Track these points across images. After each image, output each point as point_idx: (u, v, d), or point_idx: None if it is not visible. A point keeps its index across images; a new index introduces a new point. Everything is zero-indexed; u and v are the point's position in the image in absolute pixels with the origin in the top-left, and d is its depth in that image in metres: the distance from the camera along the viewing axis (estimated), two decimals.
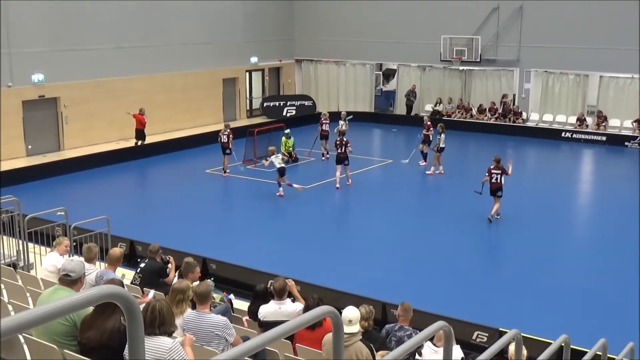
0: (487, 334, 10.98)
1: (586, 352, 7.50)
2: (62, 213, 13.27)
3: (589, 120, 29.79)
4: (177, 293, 7.16)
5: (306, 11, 35.39)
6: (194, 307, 7.11)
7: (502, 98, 31.21)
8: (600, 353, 7.83)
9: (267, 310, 8.28)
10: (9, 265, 11.32)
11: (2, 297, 7.92)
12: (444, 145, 22.84)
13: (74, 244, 12.33)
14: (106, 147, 25.75)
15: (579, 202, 21.69)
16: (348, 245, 16.86)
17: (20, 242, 12.79)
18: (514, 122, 30.66)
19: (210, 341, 6.70)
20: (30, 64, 24.26)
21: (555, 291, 13.76)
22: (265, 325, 8.03)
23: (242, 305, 10.80)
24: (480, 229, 17.81)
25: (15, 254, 12.84)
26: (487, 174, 17.98)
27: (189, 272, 9.20)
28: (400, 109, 34.48)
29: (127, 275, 10.74)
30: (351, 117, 26.69)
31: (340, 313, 5.71)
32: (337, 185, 21.46)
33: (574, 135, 29.36)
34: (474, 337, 11.07)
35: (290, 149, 25.08)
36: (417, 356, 7.95)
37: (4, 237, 12.86)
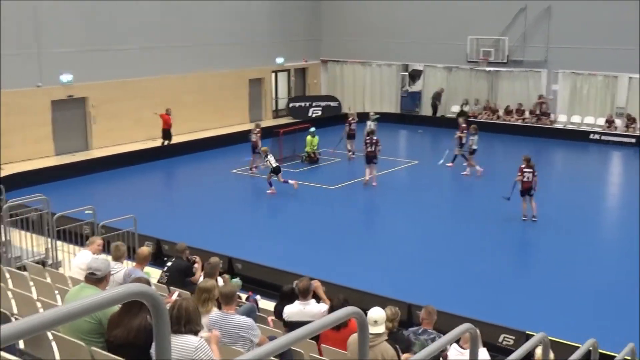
0: (513, 337, 10.90)
1: (614, 357, 7.42)
2: (91, 212, 13.39)
3: (618, 122, 29.44)
4: (202, 292, 7.19)
5: (333, 11, 35.38)
6: (219, 307, 7.13)
7: (539, 99, 30.83)
8: (629, 358, 7.73)
9: (292, 311, 8.28)
10: (38, 263, 11.44)
11: (31, 295, 8.02)
12: (476, 147, 22.72)
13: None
14: (133, 146, 25.95)
15: (608, 204, 21.45)
16: (374, 246, 16.82)
17: (49, 240, 12.93)
18: (540, 122, 30.35)
19: (235, 342, 6.71)
20: (60, 65, 24.53)
21: (583, 294, 13.62)
22: (290, 326, 8.03)
23: (267, 305, 10.83)
24: (507, 231, 17.69)
25: (44, 252, 12.98)
26: (519, 174, 17.84)
27: (213, 272, 9.25)
28: (426, 110, 34.35)
29: (153, 274, 10.81)
30: (378, 116, 26.63)
31: (366, 314, 5.70)
32: (365, 182, 21.55)
33: (603, 137, 29.04)
34: (500, 339, 11.00)
35: (315, 147, 25.13)
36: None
37: (34, 235, 13.01)
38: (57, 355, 5.95)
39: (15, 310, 7.54)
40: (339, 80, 36.36)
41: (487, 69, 32.10)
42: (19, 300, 7.69)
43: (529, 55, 30.71)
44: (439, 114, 33.51)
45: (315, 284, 8.78)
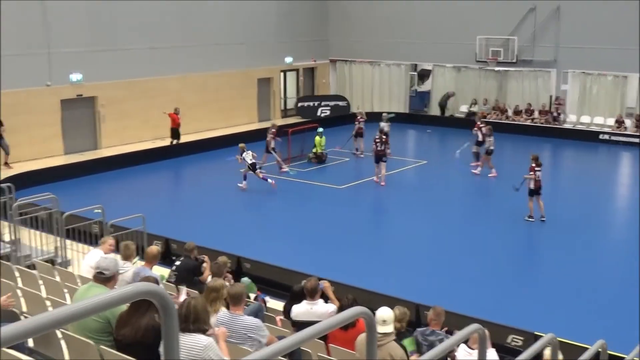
0: (522, 338, 10.87)
1: (624, 358, 7.39)
2: (99, 211, 13.42)
3: (628, 122, 29.31)
4: (211, 291, 7.20)
5: (341, 11, 35.36)
6: (227, 307, 7.14)
7: (556, 101, 30.60)
8: (638, 359, 7.70)
9: (299, 310, 8.29)
10: (47, 262, 11.48)
11: (40, 293, 8.05)
12: (493, 148, 22.65)
13: None
14: (141, 146, 26.01)
15: (617, 205, 21.36)
16: (382, 246, 16.82)
17: (58, 238, 12.98)
18: (556, 123, 30.16)
19: (243, 343, 6.72)
20: (69, 64, 24.61)
21: (592, 295, 13.57)
22: (298, 325, 8.04)
23: (276, 305, 10.83)
24: (515, 231, 17.64)
25: (53, 251, 13.03)
26: (531, 173, 17.77)
27: (220, 271, 9.27)
28: (434, 109, 34.31)
29: (162, 273, 10.82)
30: (393, 115, 26.39)
31: (374, 314, 5.69)
32: (376, 179, 21.60)
33: (612, 138, 28.92)
34: (508, 340, 10.96)
35: (323, 147, 25.15)
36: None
37: (43, 234, 13.06)
38: (66, 354, 5.97)
39: (24, 309, 7.57)
40: (347, 80, 36.36)
41: (496, 68, 32.03)
42: (28, 298, 7.72)
43: (539, 55, 30.61)
44: (447, 114, 33.49)
45: (325, 284, 8.78)
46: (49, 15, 23.77)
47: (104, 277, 6.36)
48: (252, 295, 10.30)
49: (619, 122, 29.24)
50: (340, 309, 7.84)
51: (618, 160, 27.67)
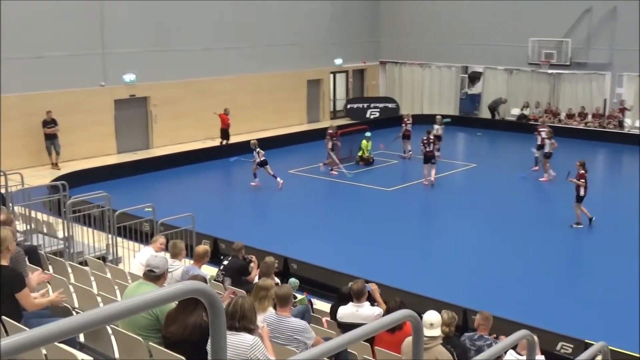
0: (572, 345, 10.68)
1: None
2: (150, 209, 13.62)
3: None
4: (260, 290, 7.27)
5: (392, 13, 35.22)
6: (274, 307, 7.17)
7: (621, 104, 29.84)
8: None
9: (345, 312, 8.29)
10: (99, 259, 11.70)
11: (91, 289, 8.20)
12: (551, 151, 22.27)
13: None
14: (193, 145, 26.31)
15: None
16: (430, 249, 16.71)
17: (110, 236, 13.21)
18: (621, 128, 29.49)
19: (289, 344, 6.74)
20: (123, 64, 25.04)
21: None
22: (343, 327, 8.04)
23: (322, 306, 10.85)
24: (566, 237, 17.33)
25: (104, 248, 13.27)
26: (582, 180, 17.43)
27: (269, 271, 9.32)
28: (485, 112, 33.93)
29: (209, 272, 10.92)
30: (449, 120, 26.12)
31: (421, 317, 5.66)
32: (425, 182, 21.50)
33: None
34: (558, 347, 10.78)
35: (369, 151, 25.08)
36: None
37: (95, 231, 13.31)
38: (116, 350, 6.07)
39: (76, 304, 7.73)
40: (397, 82, 36.19)
41: (549, 71, 31.50)
42: (80, 294, 7.88)
43: (593, 57, 30.01)
44: (497, 118, 33.10)
45: (373, 287, 8.76)
46: (105, 16, 24.22)
47: (154, 275, 6.46)
48: (300, 296, 10.32)
49: None
50: (387, 311, 7.81)
51: None
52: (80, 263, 11.14)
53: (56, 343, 5.06)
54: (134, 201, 14.51)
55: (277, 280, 9.86)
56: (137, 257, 10.31)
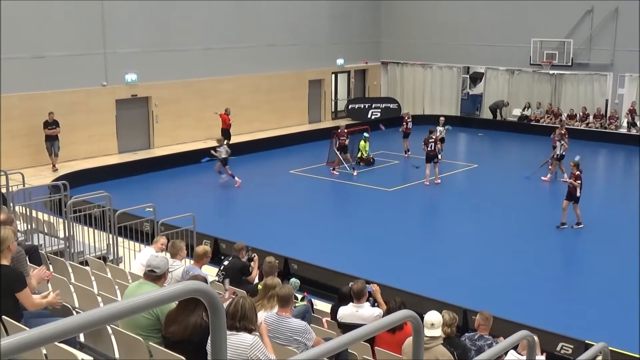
0: (572, 346, 10.67)
1: None
2: (151, 209, 13.61)
3: None
4: (269, 289, 7.36)
5: (393, 13, 35.21)
6: None
7: (631, 106, 29.56)
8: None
9: (344, 312, 8.29)
10: (99, 258, 11.70)
11: (92, 289, 8.20)
12: (563, 153, 22.15)
13: None
14: (193, 146, 26.30)
15: None
16: (431, 250, 16.70)
17: (111, 236, 13.20)
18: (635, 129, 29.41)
19: (289, 344, 6.74)
20: (124, 64, 25.06)
21: None
22: (343, 327, 8.04)
23: (322, 306, 10.84)
24: (564, 238, 17.32)
25: (105, 248, 13.26)
26: (579, 181, 17.40)
27: (273, 271, 9.33)
28: (486, 113, 33.92)
29: (209, 272, 10.93)
30: (449, 127, 26.10)
31: (421, 317, 5.66)
32: (427, 183, 21.49)
33: None
34: (558, 348, 10.78)
35: (367, 152, 25.07)
36: None
37: (96, 231, 13.31)
38: (116, 350, 6.07)
39: (76, 304, 7.73)
40: (398, 82, 36.20)
41: (551, 72, 31.48)
42: (80, 294, 7.88)
43: (595, 58, 30.01)
44: (499, 118, 33.10)
45: (374, 288, 8.76)
46: (106, 16, 24.23)
47: (155, 275, 6.46)
48: (300, 296, 10.32)
49: None
50: (388, 311, 7.81)
51: None
52: (81, 263, 11.14)
53: (56, 343, 5.06)
54: (135, 201, 14.51)
55: (278, 280, 9.86)
56: (137, 257, 10.32)
